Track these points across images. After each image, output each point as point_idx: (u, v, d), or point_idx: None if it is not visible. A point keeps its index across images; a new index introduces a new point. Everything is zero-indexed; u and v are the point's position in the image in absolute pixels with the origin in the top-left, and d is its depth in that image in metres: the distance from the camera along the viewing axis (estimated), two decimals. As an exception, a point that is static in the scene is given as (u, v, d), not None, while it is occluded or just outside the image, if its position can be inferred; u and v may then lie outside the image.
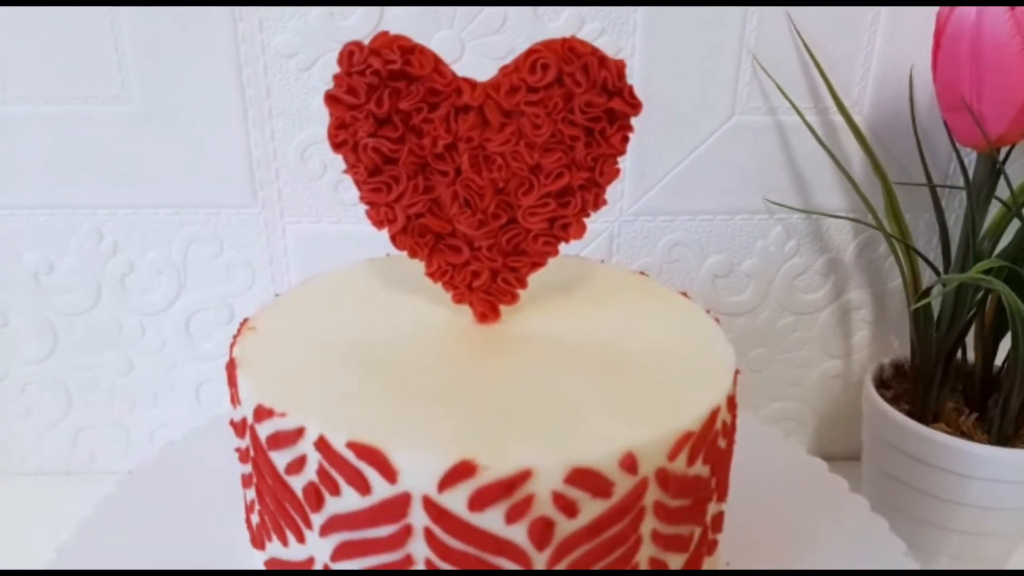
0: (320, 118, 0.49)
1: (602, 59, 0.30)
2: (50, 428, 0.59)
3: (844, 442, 0.61)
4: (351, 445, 0.25)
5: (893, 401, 0.50)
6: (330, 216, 0.53)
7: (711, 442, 0.29)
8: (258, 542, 0.32)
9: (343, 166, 0.43)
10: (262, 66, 0.49)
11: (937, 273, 0.50)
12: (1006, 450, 0.46)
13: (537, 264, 0.33)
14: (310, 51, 0.49)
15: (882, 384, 0.53)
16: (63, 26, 0.48)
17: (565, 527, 0.26)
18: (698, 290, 0.56)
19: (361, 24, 0.48)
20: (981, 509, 0.47)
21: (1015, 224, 0.47)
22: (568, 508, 0.25)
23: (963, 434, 0.48)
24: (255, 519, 0.32)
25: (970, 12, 0.42)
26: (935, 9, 0.44)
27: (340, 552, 0.27)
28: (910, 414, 0.49)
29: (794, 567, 0.35)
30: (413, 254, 0.33)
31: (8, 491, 0.59)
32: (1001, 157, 0.46)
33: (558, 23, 0.49)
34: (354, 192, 0.49)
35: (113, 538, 0.36)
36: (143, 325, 0.55)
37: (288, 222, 0.53)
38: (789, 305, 0.57)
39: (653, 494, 0.27)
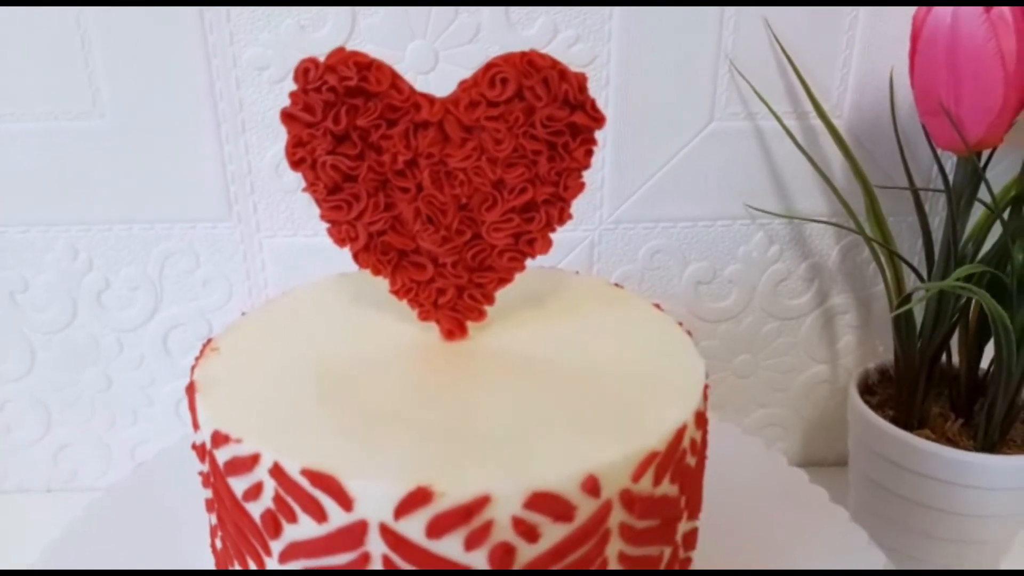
0: (294, 131, 0.49)
1: (562, 72, 0.29)
2: (30, 446, 0.58)
3: (832, 447, 0.60)
4: (306, 472, 0.25)
5: (878, 407, 0.50)
6: (306, 229, 0.52)
7: (678, 460, 0.28)
8: (222, 566, 0.31)
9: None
10: (234, 79, 0.49)
11: (920, 278, 0.49)
12: (992, 457, 0.45)
13: (504, 280, 0.33)
14: (282, 63, 0.48)
15: (867, 390, 0.53)
16: (31, 41, 0.47)
17: (527, 552, 0.25)
18: (680, 297, 0.56)
19: (333, 36, 0.48)
20: (968, 517, 0.47)
21: (998, 228, 0.46)
22: (529, 533, 0.25)
23: (949, 440, 0.47)
24: (219, 544, 0.31)
25: (945, 16, 0.41)
26: (913, 10, 0.43)
27: (299, 580, 0.27)
28: (895, 420, 0.48)
29: (771, 583, 0.34)
30: (376, 272, 0.32)
31: (-11, 510, 0.58)
32: (983, 161, 0.46)
33: (532, 31, 0.48)
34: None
35: (81, 560, 0.36)
36: (120, 341, 0.55)
37: (264, 236, 0.52)
38: (773, 311, 0.57)
39: (618, 516, 0.26)
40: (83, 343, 0.55)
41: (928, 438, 0.46)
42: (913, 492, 0.47)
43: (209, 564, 0.33)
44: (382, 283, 0.34)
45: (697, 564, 0.34)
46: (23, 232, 0.52)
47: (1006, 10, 0.40)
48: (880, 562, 0.35)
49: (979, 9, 0.40)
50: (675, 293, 0.56)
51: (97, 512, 0.39)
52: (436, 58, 0.49)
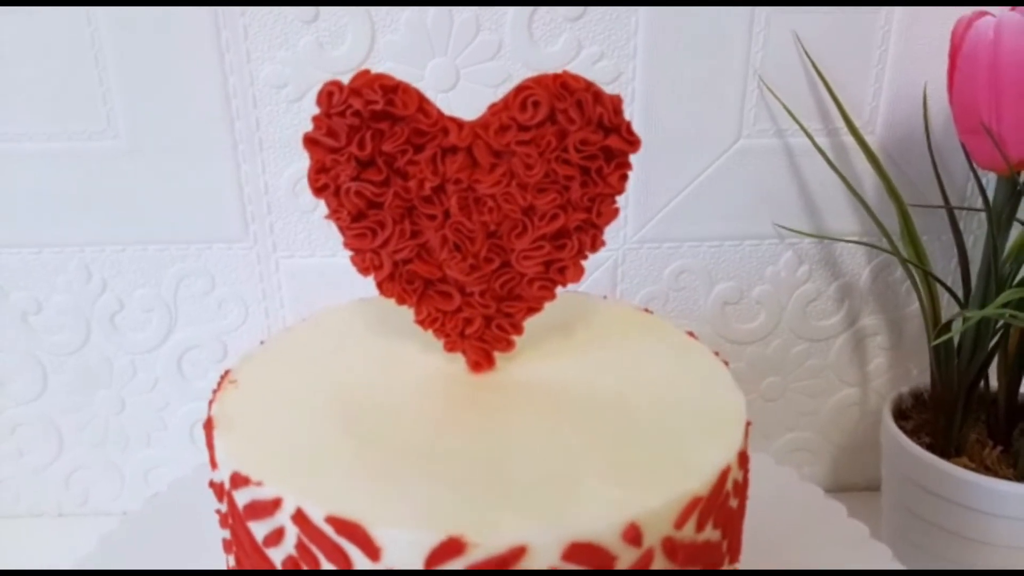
0: (312, 150, 0.48)
1: (597, 94, 0.28)
2: (42, 469, 0.57)
3: (862, 472, 0.59)
4: (330, 520, 0.24)
5: (913, 433, 0.48)
6: (324, 250, 0.51)
7: (721, 504, 0.27)
8: (240, 611, 0.30)
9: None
10: (251, 98, 0.48)
11: (958, 301, 0.48)
12: (1032, 486, 0.44)
13: (533, 309, 0.32)
14: (300, 81, 0.47)
15: (901, 415, 0.51)
16: (46, 61, 0.47)
17: (564, 605, 0.24)
18: (707, 318, 0.54)
19: (352, 53, 0.47)
20: (1006, 548, 0.45)
21: (1038, 248, 0.45)
22: (567, 585, 0.23)
23: (987, 468, 0.46)
24: (237, 587, 0.30)
25: (987, 31, 0.40)
26: (949, 25, 0.42)
27: (323, 631, 0.25)
28: (931, 447, 0.46)
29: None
30: (401, 301, 0.31)
31: (1, 534, 0.57)
32: (1023, 179, 0.44)
33: (555, 48, 0.47)
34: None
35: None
36: (134, 364, 0.54)
37: (281, 256, 0.51)
38: (802, 332, 0.55)
39: (659, 564, 0.25)
40: (96, 365, 0.54)
41: (965, 466, 0.45)
42: (949, 521, 0.46)
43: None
44: (403, 310, 0.32)
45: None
46: (36, 253, 0.51)
47: (1051, 25, 0.38)
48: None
49: (1023, 23, 0.39)
50: (701, 314, 0.54)
51: (111, 544, 0.38)
52: (457, 76, 0.47)
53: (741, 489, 0.29)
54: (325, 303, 0.39)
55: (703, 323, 0.54)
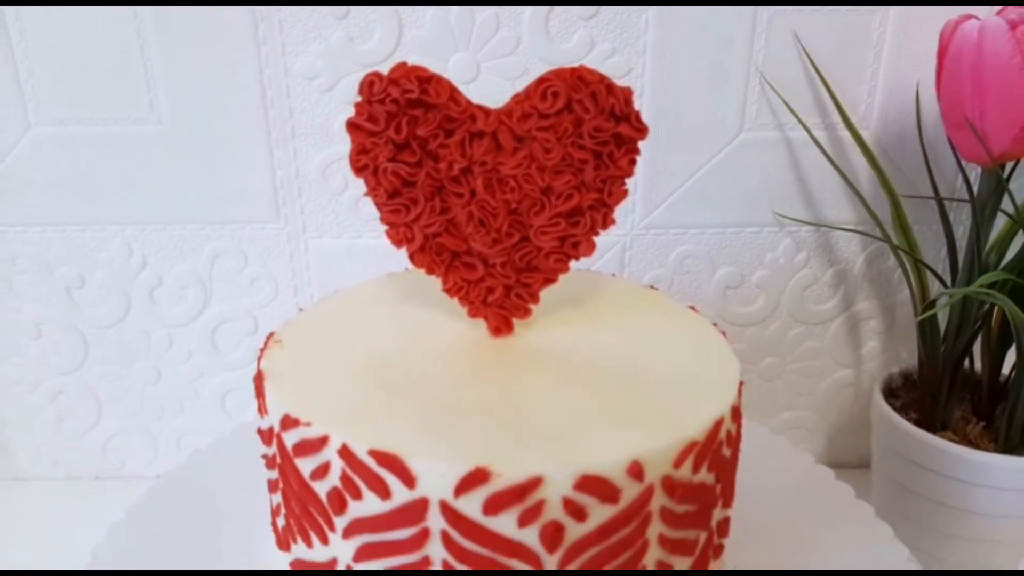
0: (341, 137, 0.52)
1: (610, 87, 0.31)
2: (81, 435, 0.61)
3: (855, 450, 0.62)
4: (372, 453, 0.27)
5: (902, 410, 0.51)
6: (351, 231, 0.55)
7: (715, 451, 0.30)
8: (283, 544, 0.33)
9: (363, 184, 0.45)
10: (285, 88, 0.51)
11: (944, 285, 0.51)
12: (1012, 458, 0.46)
13: (549, 280, 0.35)
14: (331, 73, 0.51)
15: (891, 393, 0.54)
16: (94, 51, 0.50)
17: (575, 531, 0.27)
18: (709, 301, 0.57)
19: (380, 47, 0.50)
20: (989, 517, 0.48)
21: (1021, 237, 0.48)
22: (577, 513, 0.27)
23: (970, 443, 0.49)
24: (280, 522, 0.33)
25: (972, 33, 0.43)
26: (939, 28, 0.45)
27: (362, 553, 0.29)
28: (918, 423, 0.49)
29: (799, 569, 0.36)
30: (430, 271, 0.34)
31: (40, 496, 0.60)
32: (1007, 172, 0.47)
33: (570, 44, 0.50)
34: (374, 208, 0.51)
35: (144, 539, 0.38)
36: (171, 336, 0.57)
37: (310, 237, 0.55)
38: (799, 316, 0.58)
39: (659, 500, 0.28)
40: (135, 337, 0.57)
41: (950, 440, 0.48)
42: (934, 492, 0.49)
43: (269, 543, 0.35)
44: (429, 283, 0.36)
45: (728, 553, 0.36)
46: (81, 231, 0.54)
47: (1030, 28, 0.41)
48: (904, 556, 0.37)
49: (1004, 26, 0.42)
50: (704, 297, 0.57)
51: (158, 495, 0.41)
52: (478, 69, 0.51)
53: (734, 441, 0.32)
54: (351, 281, 0.42)
55: (705, 306, 0.57)
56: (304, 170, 0.53)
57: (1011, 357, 0.49)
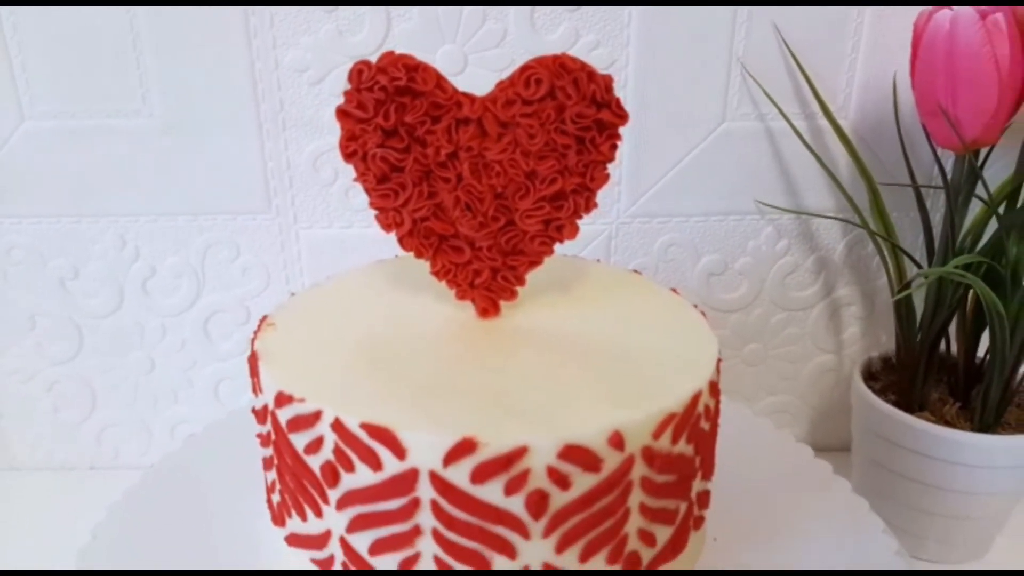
0: (331, 128, 0.53)
1: (591, 74, 0.32)
2: (76, 426, 0.61)
3: (837, 434, 0.63)
4: (364, 426, 0.28)
5: (881, 393, 0.52)
6: (341, 221, 0.56)
7: (694, 423, 0.31)
8: (279, 520, 0.34)
9: (352, 175, 0.47)
10: (276, 81, 0.52)
11: (919, 267, 0.52)
12: (987, 436, 0.48)
13: (534, 263, 0.36)
14: (321, 66, 0.52)
15: (871, 377, 0.55)
16: (87, 45, 0.51)
17: (559, 499, 0.28)
18: (693, 288, 0.58)
19: (369, 39, 0.51)
20: (964, 494, 0.49)
21: (995, 222, 0.49)
22: (561, 481, 0.28)
23: (947, 423, 0.50)
24: (276, 498, 0.34)
25: (944, 23, 0.44)
26: (915, 18, 0.46)
27: (355, 524, 0.30)
28: (896, 404, 0.51)
29: (777, 544, 0.37)
30: (419, 255, 0.35)
31: (36, 486, 0.61)
32: (981, 159, 0.49)
33: (555, 36, 0.51)
34: (363, 198, 0.52)
35: (144, 519, 0.39)
36: (164, 326, 0.58)
37: (301, 227, 0.56)
38: (781, 302, 0.60)
39: (640, 470, 0.29)
40: (129, 328, 0.58)
41: (927, 420, 0.49)
42: (912, 471, 0.50)
43: (264, 520, 0.36)
44: (418, 269, 0.37)
45: (710, 526, 0.37)
46: (75, 222, 0.55)
47: (1000, 18, 0.43)
48: (879, 527, 0.38)
49: (975, 17, 0.43)
50: (688, 285, 0.58)
51: (154, 478, 0.42)
52: (465, 61, 0.52)
53: (712, 415, 0.33)
54: (341, 270, 0.43)
55: (689, 293, 0.58)
56: (295, 161, 0.54)
57: (985, 342, 0.50)
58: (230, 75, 0.52)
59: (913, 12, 0.47)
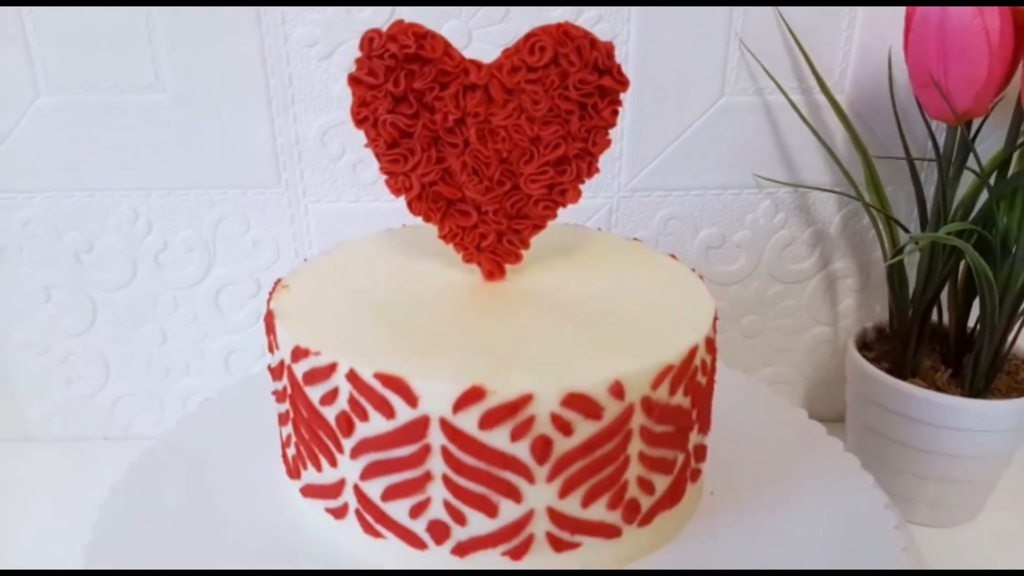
0: (339, 103, 0.54)
1: (593, 41, 0.34)
2: (90, 397, 0.63)
3: (832, 405, 0.64)
4: (378, 375, 0.30)
5: (875, 361, 0.54)
6: (349, 195, 0.57)
7: (691, 376, 0.33)
8: (293, 473, 0.36)
9: (361, 148, 0.48)
10: (284, 56, 0.53)
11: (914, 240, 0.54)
12: (977, 401, 0.49)
13: (538, 227, 0.37)
14: (329, 41, 0.53)
15: (865, 346, 0.57)
16: (101, 23, 0.52)
17: (562, 445, 0.30)
18: (692, 261, 0.60)
19: (376, 15, 0.52)
20: (955, 457, 0.51)
21: (986, 194, 0.50)
22: (564, 428, 0.29)
23: (938, 389, 0.51)
24: (291, 452, 0.36)
25: (936, -4, 0.45)
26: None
27: (368, 472, 0.31)
28: (890, 372, 0.52)
29: (772, 499, 0.38)
30: (427, 219, 0.37)
31: (50, 456, 0.62)
32: (973, 132, 0.50)
33: (557, 12, 0.52)
34: (371, 172, 0.53)
35: (163, 477, 0.40)
36: (176, 299, 0.60)
37: (310, 201, 0.57)
38: (778, 275, 0.61)
39: (639, 419, 0.31)
40: (141, 300, 0.60)
41: (920, 386, 0.51)
42: (905, 436, 0.51)
43: (280, 474, 0.38)
44: (425, 237, 0.38)
45: (707, 481, 0.38)
46: (89, 196, 0.56)
47: (991, -9, 0.44)
48: (869, 483, 0.40)
49: (967, -9, 0.44)
50: (687, 257, 0.60)
51: (171, 441, 0.44)
52: (470, 36, 0.53)
53: (708, 370, 0.35)
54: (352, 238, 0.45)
55: (688, 265, 0.60)
56: (303, 136, 0.55)
57: (976, 311, 0.52)
58: (240, 51, 0.53)
59: (907, -12, 0.48)
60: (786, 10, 0.53)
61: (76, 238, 0.58)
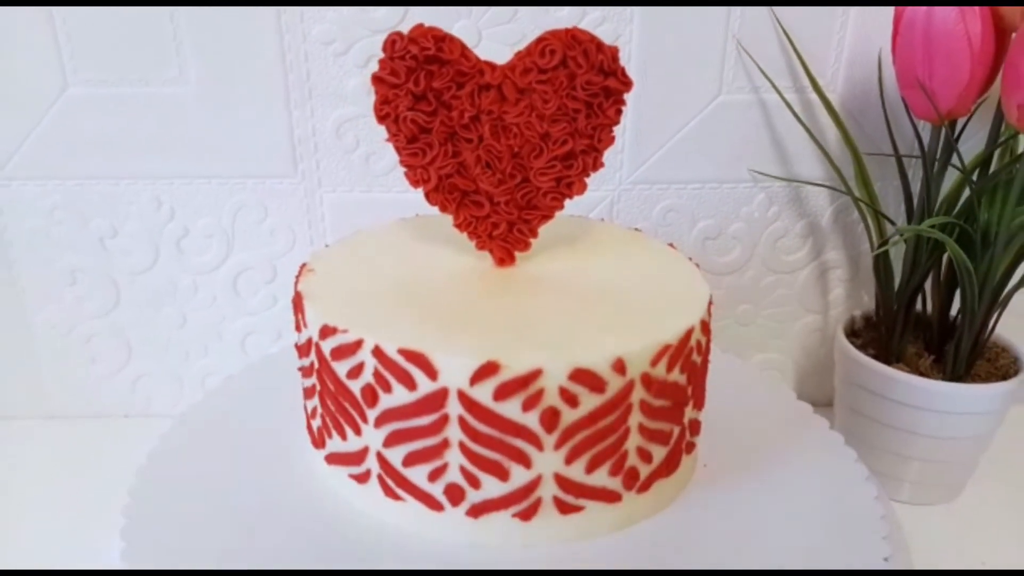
0: (353, 98, 0.57)
1: (599, 45, 0.36)
2: (112, 376, 0.65)
3: (822, 390, 0.67)
4: (401, 351, 0.32)
5: (862, 348, 0.57)
6: (361, 186, 0.60)
7: (687, 356, 0.35)
8: (319, 443, 0.39)
9: (374, 141, 0.51)
10: (303, 52, 0.56)
11: (900, 233, 0.56)
12: (958, 385, 0.52)
13: (546, 217, 0.40)
14: (345, 38, 0.55)
15: (853, 333, 0.60)
16: (129, 18, 0.54)
17: (569, 415, 0.33)
18: (689, 251, 0.63)
19: (390, 14, 0.55)
20: (937, 439, 0.54)
21: (969, 191, 0.53)
22: (571, 400, 0.32)
23: (922, 374, 0.54)
24: (316, 423, 0.39)
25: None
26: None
27: (390, 439, 0.34)
28: (876, 357, 0.55)
29: (761, 470, 0.41)
30: (443, 209, 0.40)
31: (74, 432, 0.65)
32: (957, 131, 0.53)
33: (563, 12, 0.55)
34: (383, 164, 0.56)
35: (194, 445, 0.43)
36: (196, 283, 0.62)
37: (325, 191, 0.60)
38: (772, 265, 0.64)
39: (639, 393, 0.34)
40: (163, 284, 0.62)
41: (904, 371, 0.54)
42: (890, 418, 0.54)
43: (305, 444, 0.41)
44: (437, 225, 0.41)
45: (701, 455, 0.41)
46: (114, 184, 0.59)
47: (974, -2, 0.47)
48: (852, 458, 0.43)
49: (950, -3, 0.47)
50: (685, 248, 0.63)
51: (199, 413, 0.46)
52: (479, 35, 0.55)
53: (703, 350, 0.38)
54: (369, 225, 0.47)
55: (684, 254, 0.63)
56: (320, 129, 0.58)
57: (958, 301, 0.54)
58: (260, 47, 0.55)
59: (896, -6, 0.51)
60: (781, 13, 0.55)
61: (101, 224, 0.60)
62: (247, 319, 0.64)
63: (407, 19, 0.55)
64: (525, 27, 0.55)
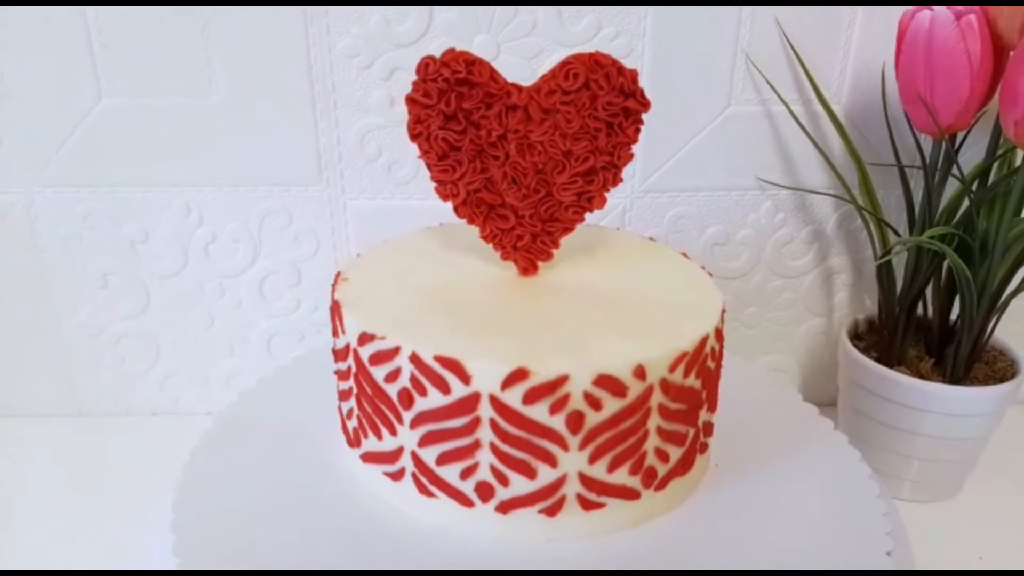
0: (377, 110, 0.59)
1: (620, 69, 0.39)
2: (141, 375, 0.68)
3: (826, 391, 0.70)
4: (437, 358, 0.35)
5: (864, 350, 0.59)
6: (384, 194, 0.62)
7: (702, 362, 0.38)
8: (354, 442, 0.41)
9: (396, 150, 0.53)
10: (328, 65, 0.58)
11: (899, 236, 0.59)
12: (957, 388, 0.54)
13: (568, 229, 0.42)
14: (369, 52, 0.57)
15: (856, 336, 0.62)
16: (161, 31, 0.56)
17: (592, 418, 0.35)
18: (699, 257, 0.65)
19: (413, 29, 0.57)
20: (937, 439, 0.56)
21: (968, 201, 0.55)
22: (595, 404, 0.35)
23: (922, 376, 0.56)
24: (351, 424, 0.41)
25: (924, 22, 0.50)
26: (900, 16, 0.52)
27: (425, 440, 0.36)
28: (878, 360, 0.57)
29: (769, 469, 0.44)
30: (471, 221, 0.42)
31: (103, 430, 0.67)
32: (957, 143, 0.55)
33: (579, 27, 0.57)
34: (404, 172, 0.58)
35: (234, 443, 0.45)
36: (223, 286, 0.65)
37: (348, 198, 0.62)
38: (778, 270, 0.66)
39: (658, 398, 0.36)
40: (191, 287, 0.64)
41: (905, 374, 0.56)
42: (891, 419, 0.57)
43: (341, 443, 0.43)
44: (461, 234, 0.43)
45: (713, 453, 0.44)
46: (146, 191, 0.61)
47: (973, 18, 0.49)
48: (856, 457, 0.45)
49: (951, 17, 0.49)
50: (694, 253, 0.65)
51: (237, 413, 0.48)
52: (498, 49, 0.58)
53: (717, 356, 0.40)
54: (384, 238, 0.49)
55: (695, 261, 0.65)
56: (344, 138, 0.60)
57: (958, 306, 0.57)
58: (288, 59, 0.58)
59: (899, 11, 0.53)
60: (788, 27, 0.58)
61: (133, 229, 0.62)
62: (272, 321, 0.66)
63: (429, 33, 0.57)
64: (543, 41, 0.58)
